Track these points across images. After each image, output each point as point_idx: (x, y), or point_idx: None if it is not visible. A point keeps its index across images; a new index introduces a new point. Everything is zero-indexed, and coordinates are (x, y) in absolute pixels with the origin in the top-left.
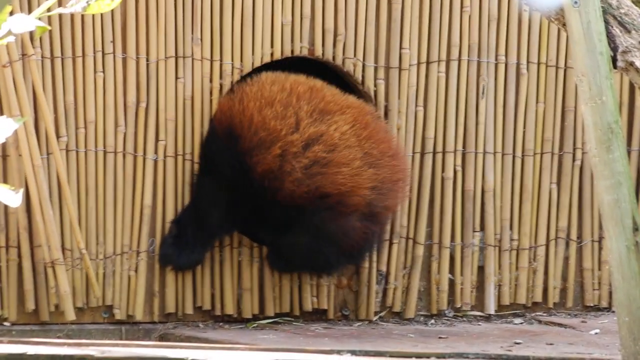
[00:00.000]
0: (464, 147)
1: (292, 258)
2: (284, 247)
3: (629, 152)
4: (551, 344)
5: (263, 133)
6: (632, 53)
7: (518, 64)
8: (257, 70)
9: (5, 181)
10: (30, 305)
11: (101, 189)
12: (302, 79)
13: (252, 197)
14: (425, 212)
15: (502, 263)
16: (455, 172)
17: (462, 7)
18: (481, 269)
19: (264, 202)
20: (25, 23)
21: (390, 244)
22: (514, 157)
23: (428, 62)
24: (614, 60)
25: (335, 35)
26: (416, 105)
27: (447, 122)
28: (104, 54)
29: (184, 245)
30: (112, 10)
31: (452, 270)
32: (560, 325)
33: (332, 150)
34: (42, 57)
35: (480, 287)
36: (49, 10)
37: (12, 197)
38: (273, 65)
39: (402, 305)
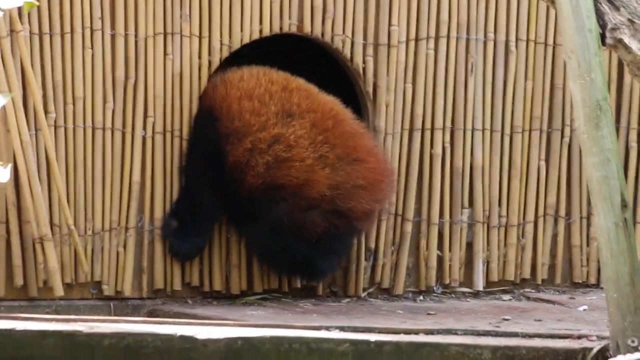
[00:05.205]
0: (452, 124)
1: (256, 249)
2: (248, 238)
3: (617, 129)
4: (539, 320)
5: (238, 123)
6: (621, 30)
7: (507, 41)
8: (247, 47)
9: None
10: (18, 281)
11: (89, 165)
12: (277, 76)
13: (223, 181)
14: (414, 189)
15: (491, 240)
16: (443, 149)
17: None
18: (470, 246)
19: (230, 191)
20: None
21: (379, 220)
22: (502, 134)
23: (417, 39)
24: (603, 37)
25: (324, 12)
26: (405, 82)
27: (436, 99)
28: (92, 31)
29: (185, 232)
30: None
31: (440, 246)
32: (548, 301)
33: (289, 149)
34: (31, 33)
35: (468, 263)
36: None
37: (0, 173)
38: (262, 42)
39: (390, 281)
